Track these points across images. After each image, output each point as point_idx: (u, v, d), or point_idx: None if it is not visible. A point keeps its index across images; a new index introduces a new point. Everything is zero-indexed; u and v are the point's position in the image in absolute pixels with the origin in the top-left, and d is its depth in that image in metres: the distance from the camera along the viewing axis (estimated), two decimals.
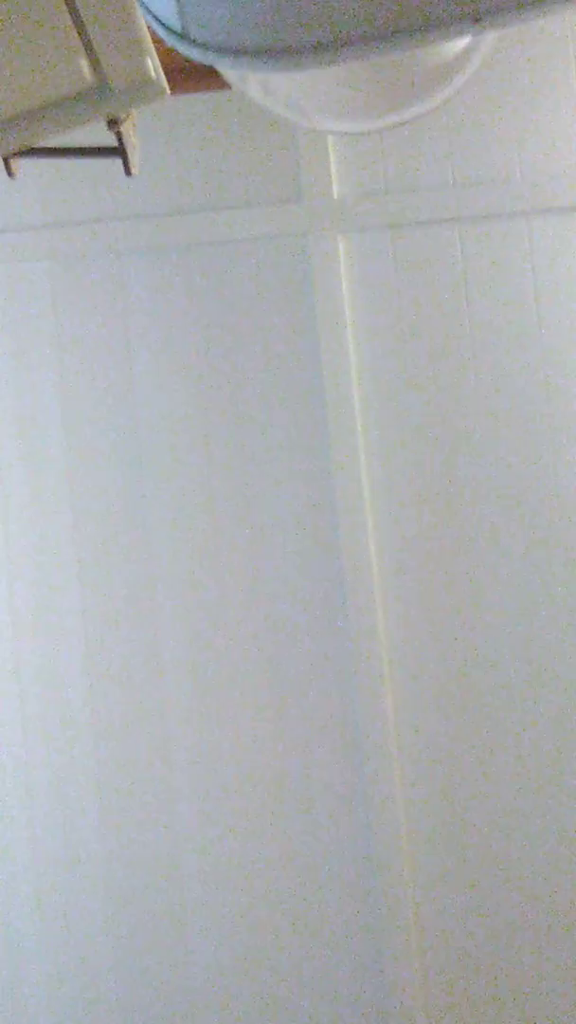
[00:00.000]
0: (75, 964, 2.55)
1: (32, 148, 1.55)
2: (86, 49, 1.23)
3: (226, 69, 0.96)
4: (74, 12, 1.17)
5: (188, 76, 2.29)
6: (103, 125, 1.77)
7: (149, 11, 0.92)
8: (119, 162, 1.80)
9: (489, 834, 2.57)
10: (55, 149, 1.56)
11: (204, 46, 0.90)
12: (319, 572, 2.59)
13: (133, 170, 1.51)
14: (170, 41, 0.92)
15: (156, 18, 0.92)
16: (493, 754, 2.58)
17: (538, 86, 2.66)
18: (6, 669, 2.58)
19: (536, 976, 2.56)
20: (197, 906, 2.57)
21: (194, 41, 0.90)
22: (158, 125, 2.60)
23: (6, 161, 1.53)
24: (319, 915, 2.57)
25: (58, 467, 2.60)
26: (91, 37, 1.22)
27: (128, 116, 1.49)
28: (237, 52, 0.89)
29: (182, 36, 0.90)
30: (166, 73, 1.37)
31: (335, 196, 2.62)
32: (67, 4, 1.16)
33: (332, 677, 2.58)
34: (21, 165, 2.17)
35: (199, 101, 2.61)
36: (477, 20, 0.91)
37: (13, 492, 2.61)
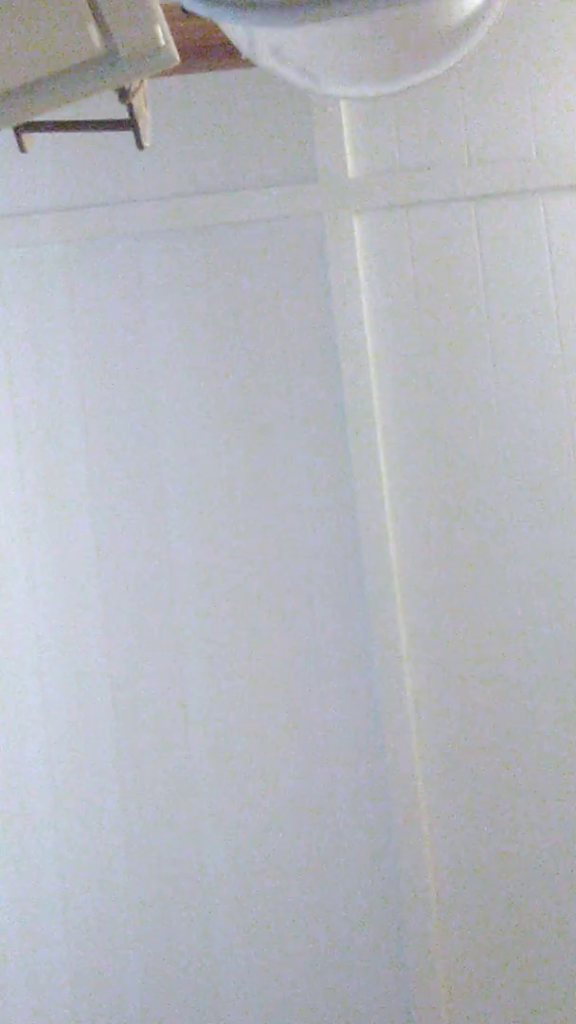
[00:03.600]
0: (100, 948, 2.56)
1: (43, 122, 1.55)
2: (95, 16, 1.22)
3: (233, 24, 0.95)
4: None
5: (201, 55, 2.29)
6: (115, 103, 1.77)
7: None
8: (132, 144, 1.80)
9: (507, 799, 2.57)
10: (67, 123, 1.55)
11: (214, 2, 0.90)
12: (336, 548, 2.59)
13: (145, 142, 1.51)
14: None
15: None
16: (511, 726, 2.57)
17: (552, 65, 2.64)
18: (29, 661, 2.59)
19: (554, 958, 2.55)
20: (218, 880, 2.57)
21: None
22: (172, 106, 2.60)
23: (18, 135, 1.53)
24: (339, 894, 2.56)
25: (77, 449, 2.60)
26: (100, 4, 1.21)
27: (139, 88, 1.48)
28: (243, 6, 0.88)
29: None
30: (179, 52, 1.37)
31: (350, 176, 2.61)
32: None
33: (350, 668, 2.57)
34: (36, 148, 2.17)
35: (212, 81, 2.60)
36: None
37: (33, 477, 2.61)
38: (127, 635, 2.59)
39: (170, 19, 1.34)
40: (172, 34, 1.33)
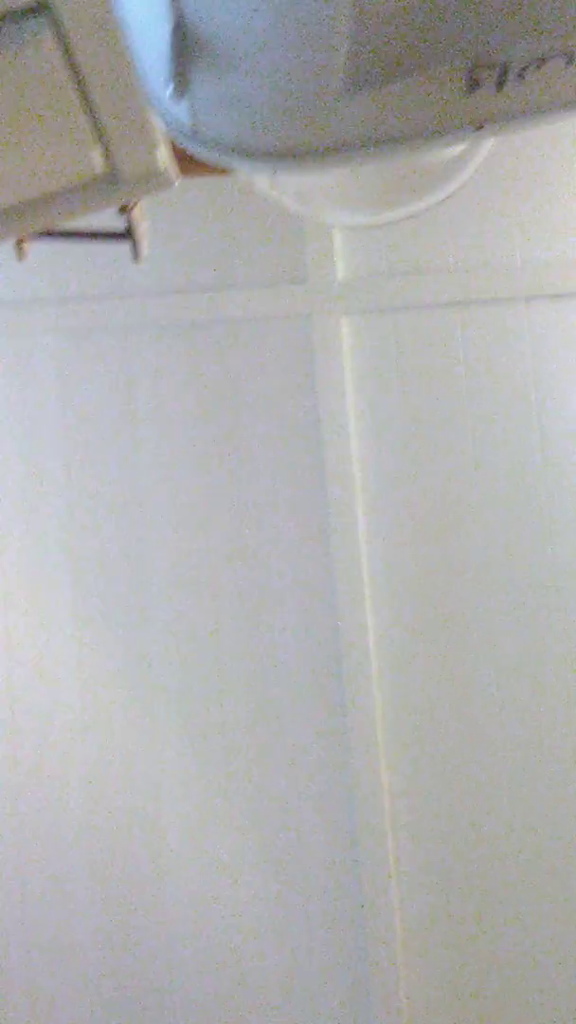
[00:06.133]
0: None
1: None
2: (98, 139, 1.26)
3: (233, 168, 0.98)
4: (87, 102, 1.20)
5: (196, 160, 2.33)
6: (113, 210, 1.80)
7: (160, 111, 0.95)
8: (129, 253, 1.83)
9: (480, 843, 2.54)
10: (64, 232, 1.58)
11: (214, 146, 0.93)
12: (317, 638, 2.59)
13: (141, 255, 1.54)
14: (180, 140, 0.95)
15: (167, 117, 0.94)
16: (488, 786, 2.55)
17: (540, 174, 2.71)
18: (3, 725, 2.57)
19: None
20: (177, 883, 2.53)
21: (204, 141, 0.93)
22: (165, 205, 2.64)
23: (17, 244, 1.56)
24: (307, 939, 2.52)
25: (61, 542, 2.60)
26: (103, 127, 1.25)
27: (137, 203, 1.51)
28: (246, 153, 0.91)
29: (193, 136, 0.93)
30: (175, 156, 1.40)
31: (339, 278, 2.66)
32: (80, 95, 1.19)
33: (330, 756, 2.56)
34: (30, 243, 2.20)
35: (206, 183, 2.66)
36: (479, 127, 0.93)
37: (16, 566, 2.61)
38: (106, 721, 2.57)
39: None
40: (167, 140, 1.36)
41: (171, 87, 0.86)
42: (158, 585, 2.61)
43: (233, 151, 0.92)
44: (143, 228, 1.52)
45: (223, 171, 2.52)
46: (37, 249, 2.66)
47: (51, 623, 2.59)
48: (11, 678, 2.58)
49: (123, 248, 2.66)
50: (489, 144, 1.31)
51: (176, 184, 1.31)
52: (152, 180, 1.31)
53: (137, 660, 2.59)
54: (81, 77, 1.20)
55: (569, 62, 0.85)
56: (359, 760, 2.54)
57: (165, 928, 2.53)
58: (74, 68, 1.20)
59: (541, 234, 2.70)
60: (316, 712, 2.58)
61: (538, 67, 0.87)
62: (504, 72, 0.86)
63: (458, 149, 1.23)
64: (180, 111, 0.93)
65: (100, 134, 1.27)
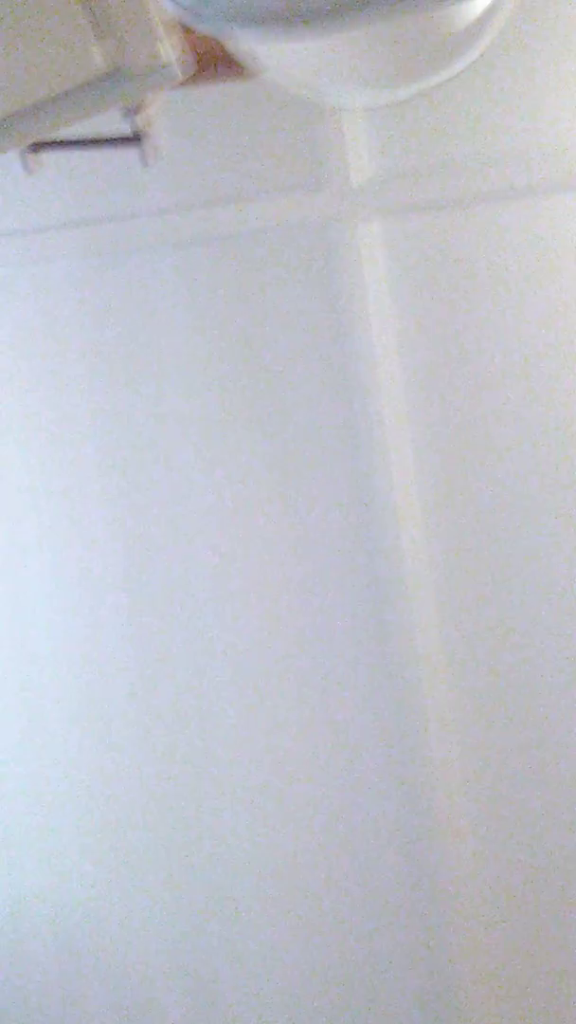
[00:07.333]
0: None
1: (49, 141, 1.55)
2: (98, 34, 1.22)
3: (239, 40, 0.94)
4: None
5: (204, 67, 2.27)
6: (120, 117, 1.76)
7: None
8: (139, 159, 1.79)
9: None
10: (72, 141, 1.54)
11: (216, 17, 0.89)
12: (356, 566, 2.57)
13: (150, 160, 1.50)
14: (180, 14, 0.91)
15: None
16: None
17: (559, 62, 2.62)
18: (47, 656, 2.59)
19: None
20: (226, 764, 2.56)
21: (205, 12, 0.88)
22: (177, 118, 2.58)
23: (24, 157, 1.52)
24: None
25: (90, 465, 2.59)
26: (104, 22, 1.21)
27: (147, 104, 1.47)
28: (249, 21, 0.87)
29: (193, 8, 0.89)
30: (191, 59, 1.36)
31: (354, 182, 2.59)
32: None
33: (363, 649, 2.56)
34: (42, 164, 2.16)
35: (217, 93, 2.59)
36: None
37: (47, 495, 2.60)
38: (149, 626, 2.59)
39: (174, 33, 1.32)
40: (175, 36, 1.32)
41: None
42: (185, 507, 2.59)
43: (235, 20, 0.88)
44: (153, 130, 1.48)
45: (230, 77, 2.45)
46: (50, 173, 2.62)
47: (86, 537, 2.59)
48: (57, 601, 2.59)
49: (136, 167, 2.61)
50: (506, 11, 1.25)
51: (181, 78, 1.27)
52: (157, 75, 1.27)
53: (177, 569, 2.59)
54: None
55: None
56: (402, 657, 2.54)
57: (221, 833, 2.57)
58: None
59: (563, 122, 2.61)
60: (356, 612, 2.57)
61: None
62: None
63: (473, 15, 1.18)
64: None
65: (100, 29, 1.22)
